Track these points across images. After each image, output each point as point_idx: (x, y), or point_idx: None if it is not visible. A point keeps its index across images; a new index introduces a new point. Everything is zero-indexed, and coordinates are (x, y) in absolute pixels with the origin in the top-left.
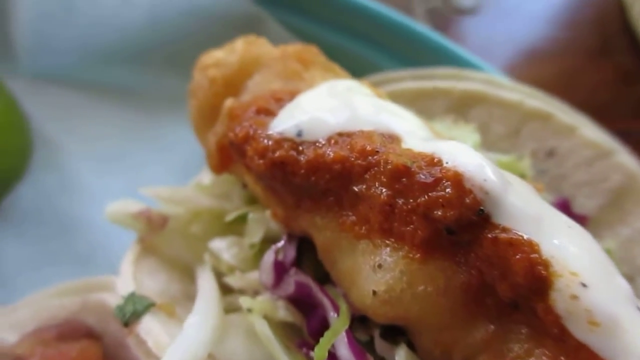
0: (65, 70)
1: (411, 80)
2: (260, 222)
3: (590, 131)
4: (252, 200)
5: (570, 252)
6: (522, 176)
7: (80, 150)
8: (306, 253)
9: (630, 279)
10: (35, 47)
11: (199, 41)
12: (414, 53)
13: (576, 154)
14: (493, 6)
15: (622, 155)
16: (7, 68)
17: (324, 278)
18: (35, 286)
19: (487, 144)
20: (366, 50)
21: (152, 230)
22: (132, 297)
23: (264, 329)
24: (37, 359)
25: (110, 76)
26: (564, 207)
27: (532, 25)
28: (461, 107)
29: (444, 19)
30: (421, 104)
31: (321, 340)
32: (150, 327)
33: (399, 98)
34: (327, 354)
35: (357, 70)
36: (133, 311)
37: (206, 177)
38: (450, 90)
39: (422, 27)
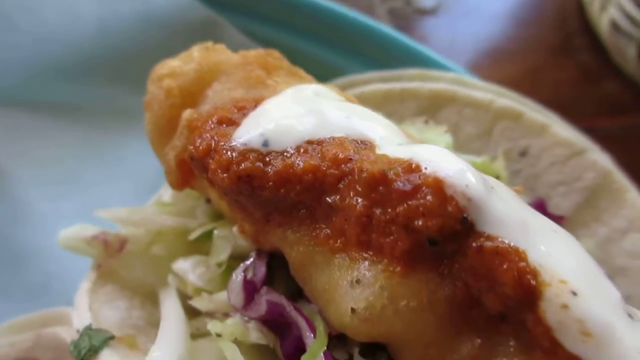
0: (11, 91)
1: (379, 82)
2: (227, 238)
3: (561, 129)
4: (217, 216)
5: (558, 259)
6: (497, 178)
7: (30, 175)
8: (277, 269)
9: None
10: None
11: (153, 52)
12: (379, 55)
13: (549, 153)
14: (454, 6)
15: (595, 153)
16: None
17: (296, 294)
18: None
19: (459, 145)
20: (330, 53)
21: (110, 255)
22: (87, 332)
23: (234, 356)
24: None
25: (60, 94)
26: (540, 207)
27: (493, 23)
28: (431, 109)
29: (406, 19)
30: (390, 106)
31: None
32: None
33: (366, 101)
34: None
35: (322, 74)
36: (89, 347)
37: (167, 193)
38: (419, 91)
39: (386, 28)
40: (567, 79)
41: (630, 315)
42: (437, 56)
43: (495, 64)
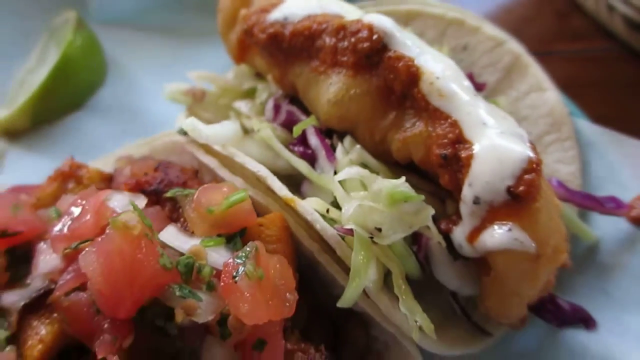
0: (130, 18)
1: (371, 7)
2: (266, 89)
3: (490, 29)
4: (261, 81)
5: (434, 64)
6: None
7: (142, 66)
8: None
9: None
10: None
11: None
12: None
13: (481, 45)
14: None
15: (512, 43)
16: (83, 14)
17: None
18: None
19: None
20: None
21: (196, 101)
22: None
23: (267, 132)
24: (129, 168)
25: (161, 19)
26: (470, 77)
27: None
28: (406, 22)
29: None
30: None
31: (296, 125)
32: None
33: None
34: (301, 132)
35: None
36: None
37: (231, 75)
38: (398, 9)
39: None
40: (543, 15)
41: (475, 95)
42: None
43: (485, 6)
